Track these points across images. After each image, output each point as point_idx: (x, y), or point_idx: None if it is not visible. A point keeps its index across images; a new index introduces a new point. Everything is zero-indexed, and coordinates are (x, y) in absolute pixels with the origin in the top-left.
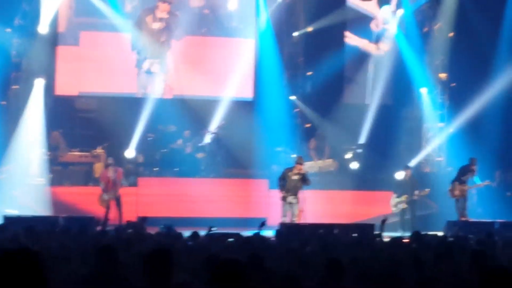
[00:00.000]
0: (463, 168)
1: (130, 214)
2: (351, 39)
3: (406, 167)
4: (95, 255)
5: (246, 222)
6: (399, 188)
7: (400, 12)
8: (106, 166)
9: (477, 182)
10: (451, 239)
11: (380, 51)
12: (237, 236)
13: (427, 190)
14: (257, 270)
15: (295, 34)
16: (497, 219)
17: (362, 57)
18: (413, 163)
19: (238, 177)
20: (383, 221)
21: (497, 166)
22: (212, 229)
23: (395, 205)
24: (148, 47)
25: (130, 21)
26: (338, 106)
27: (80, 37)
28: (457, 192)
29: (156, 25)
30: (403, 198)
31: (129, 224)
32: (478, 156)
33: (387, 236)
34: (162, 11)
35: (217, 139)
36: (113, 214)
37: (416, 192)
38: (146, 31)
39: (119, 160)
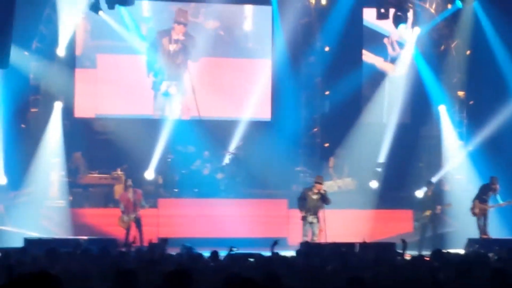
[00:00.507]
0: (484, 186)
1: (150, 235)
2: (368, 57)
3: (428, 183)
4: (114, 278)
5: (266, 242)
6: (421, 205)
7: (417, 30)
8: (126, 187)
9: (499, 201)
10: (471, 256)
11: (396, 72)
12: (257, 256)
13: (450, 203)
14: None
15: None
16: None
17: (379, 76)
18: (433, 180)
19: (257, 197)
20: (404, 241)
21: None
22: (233, 249)
23: (418, 220)
24: (165, 69)
25: (146, 43)
26: (356, 125)
27: (97, 60)
28: (477, 210)
29: (172, 47)
30: (427, 213)
31: (150, 245)
32: (498, 174)
33: (408, 254)
34: (178, 33)
35: (236, 160)
36: (133, 236)
37: (439, 207)
38: (162, 53)
39: (139, 182)
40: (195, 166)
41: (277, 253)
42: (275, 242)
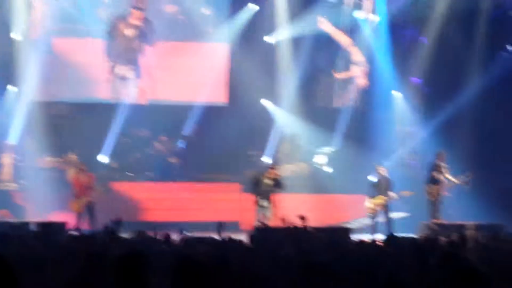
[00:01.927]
0: (431, 165)
1: (103, 219)
2: (323, 24)
3: (379, 169)
4: (84, 260)
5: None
6: (374, 190)
7: (375, 18)
8: (79, 171)
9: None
10: (423, 241)
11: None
12: (210, 240)
13: (412, 191)
14: (225, 272)
15: (266, 38)
16: (469, 220)
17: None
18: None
19: (211, 181)
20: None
21: (469, 167)
22: (183, 232)
23: (371, 207)
24: (121, 53)
25: (103, 27)
26: (311, 109)
27: (53, 44)
28: (431, 191)
29: (129, 32)
30: (379, 199)
31: (105, 228)
32: (452, 160)
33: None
34: (135, 18)
35: (190, 144)
36: (85, 220)
37: (391, 193)
38: (119, 37)
39: (93, 166)
40: (150, 150)
41: (229, 237)
42: (220, 225)
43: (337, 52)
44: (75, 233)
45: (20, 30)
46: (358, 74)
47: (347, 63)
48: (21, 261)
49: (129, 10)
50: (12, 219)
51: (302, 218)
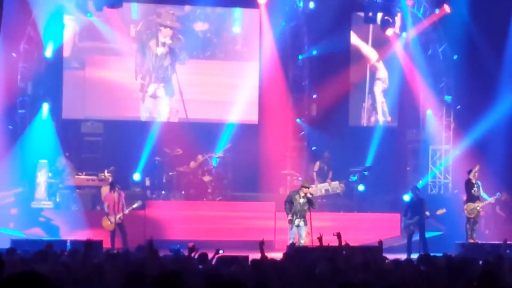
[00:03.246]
0: (466, 183)
1: (137, 237)
2: (353, 37)
3: (414, 188)
4: (121, 278)
5: (253, 245)
6: (408, 209)
7: (404, 35)
8: (111, 189)
9: (486, 199)
10: (458, 261)
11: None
12: (244, 259)
13: (444, 209)
14: None
15: (300, 57)
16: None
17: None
18: (420, 184)
19: (244, 199)
20: (380, 243)
21: (503, 187)
22: (219, 252)
23: (406, 227)
24: (153, 72)
25: (134, 46)
26: (344, 128)
27: (85, 62)
28: (469, 210)
29: (160, 50)
30: (415, 219)
31: (139, 247)
32: (484, 178)
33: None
34: (165, 36)
35: (223, 162)
36: (117, 238)
37: (427, 212)
38: (150, 55)
39: (126, 184)
40: (184, 168)
41: (264, 256)
42: (262, 243)
43: (365, 68)
44: (111, 251)
45: (53, 49)
46: (380, 90)
47: (372, 79)
48: (57, 279)
49: (159, 28)
50: (48, 236)
51: (338, 235)
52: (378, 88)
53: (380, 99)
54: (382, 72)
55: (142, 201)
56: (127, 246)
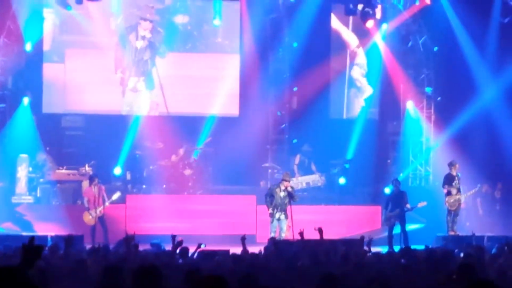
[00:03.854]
0: (446, 177)
1: (118, 231)
2: (334, 21)
3: (395, 181)
4: (102, 273)
5: (234, 239)
6: (389, 202)
7: (384, 26)
8: (90, 183)
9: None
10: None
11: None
12: (226, 253)
13: (424, 202)
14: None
15: (281, 49)
16: (486, 233)
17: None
18: (400, 176)
19: (226, 193)
20: (369, 242)
21: (483, 179)
22: (201, 246)
23: (387, 219)
24: (132, 65)
25: (115, 39)
26: (324, 121)
27: (65, 55)
28: (451, 201)
29: (139, 43)
30: (396, 212)
31: (119, 242)
32: (464, 170)
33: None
34: (144, 29)
35: (204, 156)
36: (98, 232)
37: (408, 205)
38: (129, 49)
39: (107, 178)
40: (164, 162)
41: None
42: (243, 238)
43: (345, 59)
44: (92, 246)
45: (32, 42)
46: (359, 74)
47: (351, 64)
48: (39, 274)
49: (139, 21)
50: (28, 232)
51: (320, 230)
52: (356, 72)
53: (359, 81)
54: (361, 58)
55: (121, 192)
56: (108, 240)
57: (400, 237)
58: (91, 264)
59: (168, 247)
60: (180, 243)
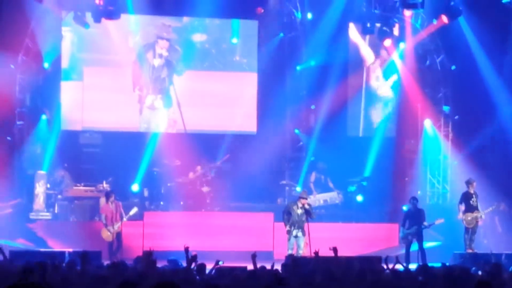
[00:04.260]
0: (463, 195)
1: (136, 248)
2: (353, 33)
3: (412, 198)
4: None
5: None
6: (406, 219)
7: (402, 45)
8: (108, 200)
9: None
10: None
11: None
12: (242, 269)
13: (442, 218)
14: None
15: (298, 67)
16: (504, 251)
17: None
18: (418, 194)
19: (243, 210)
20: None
21: (501, 197)
22: (219, 263)
23: (404, 237)
24: (150, 83)
25: (132, 57)
26: (342, 138)
27: (83, 73)
28: (469, 219)
29: (156, 61)
30: (413, 229)
31: (137, 258)
32: (482, 188)
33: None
34: (161, 47)
35: (222, 173)
36: (115, 248)
37: (425, 222)
38: (147, 67)
39: (125, 194)
40: (182, 179)
41: (262, 267)
42: (254, 255)
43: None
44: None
45: (51, 60)
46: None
47: (368, 75)
48: None
49: (156, 40)
50: (46, 248)
51: (335, 249)
52: (374, 81)
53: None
54: (378, 72)
55: (138, 208)
56: (121, 256)
57: (417, 254)
58: (108, 280)
59: (185, 263)
60: (194, 257)
